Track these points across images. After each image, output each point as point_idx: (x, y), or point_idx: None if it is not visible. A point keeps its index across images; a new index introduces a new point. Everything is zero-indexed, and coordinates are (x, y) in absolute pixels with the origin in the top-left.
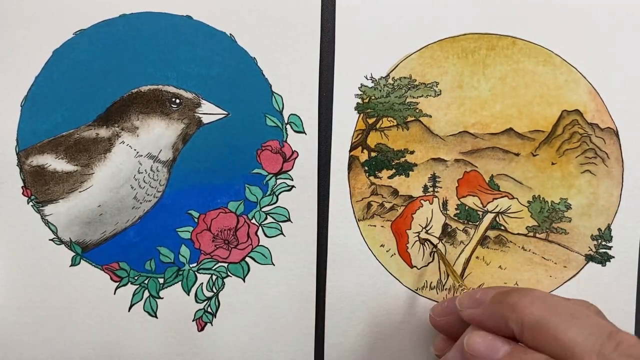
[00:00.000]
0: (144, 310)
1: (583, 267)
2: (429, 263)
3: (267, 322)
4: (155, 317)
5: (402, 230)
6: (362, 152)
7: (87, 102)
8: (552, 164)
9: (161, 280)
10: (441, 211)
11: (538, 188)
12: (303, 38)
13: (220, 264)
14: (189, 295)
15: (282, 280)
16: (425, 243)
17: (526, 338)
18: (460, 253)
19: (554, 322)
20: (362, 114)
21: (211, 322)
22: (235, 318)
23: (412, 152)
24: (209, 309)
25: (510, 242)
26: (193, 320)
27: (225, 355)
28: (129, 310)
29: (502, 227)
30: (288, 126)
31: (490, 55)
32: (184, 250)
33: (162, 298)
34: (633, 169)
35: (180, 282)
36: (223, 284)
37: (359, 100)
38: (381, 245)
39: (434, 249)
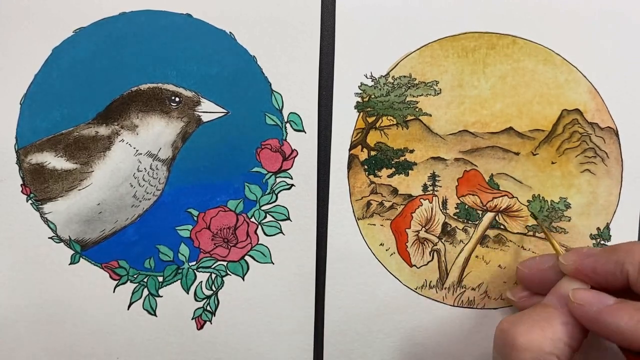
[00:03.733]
0: (143, 309)
1: None
2: (428, 262)
3: (267, 320)
4: (155, 315)
5: (401, 229)
6: (361, 150)
7: (87, 100)
8: (552, 163)
9: (160, 279)
10: (441, 210)
11: (538, 187)
12: (303, 36)
13: (219, 262)
14: (188, 293)
15: (282, 279)
16: (425, 242)
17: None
18: (460, 252)
19: None
20: (361, 113)
21: (210, 321)
22: (235, 316)
23: (411, 151)
24: (208, 308)
25: (510, 241)
26: (192, 319)
27: (224, 353)
28: (128, 309)
29: (502, 226)
30: (288, 125)
31: (491, 54)
32: (184, 249)
33: (162, 296)
34: (632, 169)
35: (179, 281)
36: (222, 282)
37: (359, 99)
38: (380, 244)
39: (434, 248)
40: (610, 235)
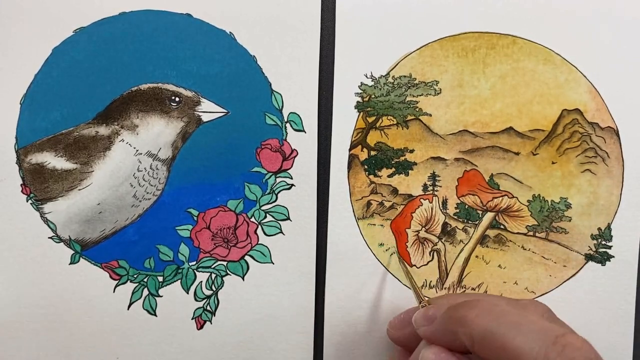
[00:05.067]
0: (143, 309)
1: (583, 267)
2: (428, 262)
3: (266, 320)
4: (155, 315)
5: (401, 229)
6: (361, 150)
7: (87, 100)
8: (552, 163)
9: (160, 279)
10: (441, 210)
11: (538, 187)
12: (303, 36)
13: (219, 262)
14: (188, 293)
15: (282, 278)
16: (425, 242)
17: (477, 350)
18: (460, 252)
19: (501, 332)
20: (362, 113)
21: (210, 321)
22: (235, 316)
23: (411, 151)
24: (208, 308)
25: (510, 241)
26: (192, 319)
27: (224, 353)
28: (128, 309)
29: (502, 226)
30: (288, 124)
31: (491, 54)
32: (183, 249)
33: (162, 296)
34: (633, 169)
35: (179, 281)
36: (222, 282)
37: (359, 99)
38: (380, 244)
39: (434, 248)
40: (612, 236)
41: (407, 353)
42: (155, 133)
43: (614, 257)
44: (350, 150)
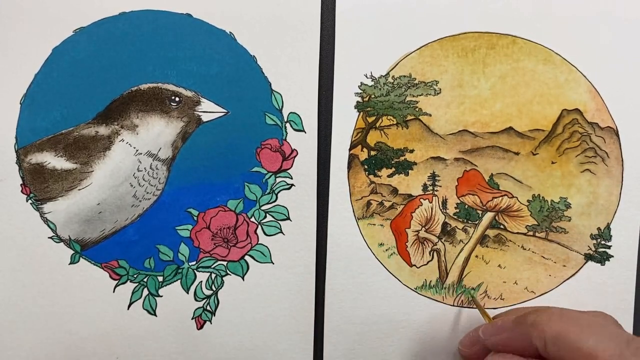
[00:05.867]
0: (143, 309)
1: (582, 266)
2: (428, 262)
3: (266, 320)
4: (155, 315)
5: (401, 229)
6: (361, 150)
7: (87, 100)
8: (552, 163)
9: (160, 279)
10: (441, 210)
11: (538, 187)
12: (303, 36)
13: (219, 262)
14: (188, 293)
15: (282, 278)
16: (425, 242)
17: (550, 351)
18: (460, 252)
19: (574, 333)
20: (361, 113)
21: (210, 321)
22: (234, 316)
23: (411, 151)
24: (208, 307)
25: (510, 241)
26: (192, 319)
27: (224, 353)
28: (128, 309)
29: (502, 226)
30: (287, 124)
31: (490, 54)
32: (183, 249)
33: (162, 296)
34: (633, 168)
35: (179, 281)
36: (222, 282)
37: (359, 99)
38: (380, 244)
39: (434, 248)
40: (611, 235)
41: None
42: (155, 133)
43: (613, 256)
44: (350, 150)
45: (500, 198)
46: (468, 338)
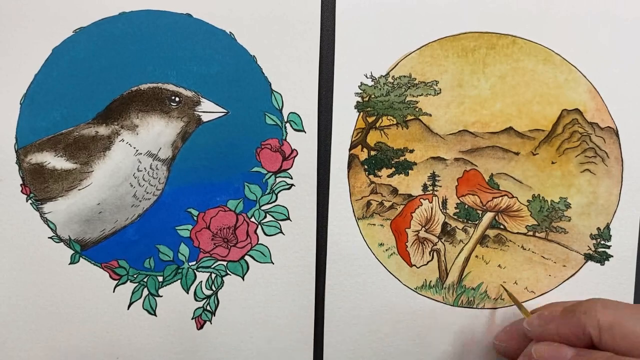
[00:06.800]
0: (143, 309)
1: (582, 266)
2: (428, 262)
3: (266, 320)
4: (155, 315)
5: (401, 229)
6: (361, 150)
7: (87, 100)
8: (552, 163)
9: (160, 279)
10: (441, 210)
11: (538, 187)
12: (303, 36)
13: (219, 262)
14: (188, 293)
15: (282, 278)
16: (425, 242)
17: (605, 338)
18: (460, 252)
19: (629, 321)
20: (361, 113)
21: (210, 321)
22: (234, 316)
23: (411, 151)
24: (208, 307)
25: (510, 241)
26: (192, 319)
27: (224, 353)
28: (128, 309)
29: (502, 226)
30: (287, 124)
31: (490, 54)
32: (183, 249)
33: (161, 296)
34: (633, 169)
35: (179, 281)
36: (222, 282)
37: (359, 99)
38: (380, 244)
39: (434, 248)
40: (611, 235)
41: None
42: (155, 133)
43: (613, 256)
44: (350, 150)
45: (500, 198)
46: (505, 332)
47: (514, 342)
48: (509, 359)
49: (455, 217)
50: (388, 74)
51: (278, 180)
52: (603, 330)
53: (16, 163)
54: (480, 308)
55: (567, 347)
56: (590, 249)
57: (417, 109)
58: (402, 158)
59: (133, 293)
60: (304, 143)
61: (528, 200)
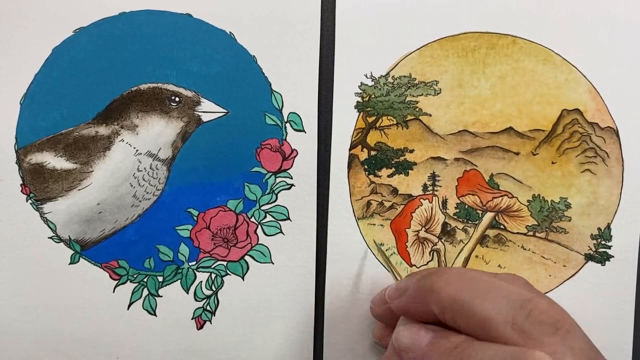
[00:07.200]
0: (143, 309)
1: (582, 267)
2: (428, 262)
3: (266, 320)
4: (155, 315)
5: (401, 229)
6: (361, 150)
7: (87, 100)
8: (552, 163)
9: (160, 279)
10: (441, 210)
11: (538, 187)
12: (303, 36)
13: (219, 262)
14: (188, 293)
15: (282, 278)
16: (425, 242)
17: (447, 318)
18: (460, 252)
19: (469, 298)
20: (361, 113)
21: (210, 321)
22: (234, 316)
23: (411, 151)
24: (208, 308)
25: (510, 241)
26: (192, 319)
27: (223, 353)
28: (128, 309)
29: (502, 226)
30: (287, 124)
31: (490, 54)
32: (183, 249)
33: (161, 296)
34: (633, 169)
35: (179, 281)
36: (222, 282)
37: (359, 99)
38: (381, 244)
39: (434, 248)
40: (611, 236)
41: (389, 329)
42: (155, 133)
43: (613, 257)
44: (350, 150)
45: (500, 198)
46: (378, 297)
47: (386, 306)
48: (383, 323)
49: (456, 217)
50: (388, 74)
51: (278, 180)
52: (445, 309)
53: (16, 163)
54: None
55: (425, 330)
56: (590, 249)
57: (417, 109)
58: (402, 158)
59: (133, 293)
60: (304, 143)
61: (528, 201)
